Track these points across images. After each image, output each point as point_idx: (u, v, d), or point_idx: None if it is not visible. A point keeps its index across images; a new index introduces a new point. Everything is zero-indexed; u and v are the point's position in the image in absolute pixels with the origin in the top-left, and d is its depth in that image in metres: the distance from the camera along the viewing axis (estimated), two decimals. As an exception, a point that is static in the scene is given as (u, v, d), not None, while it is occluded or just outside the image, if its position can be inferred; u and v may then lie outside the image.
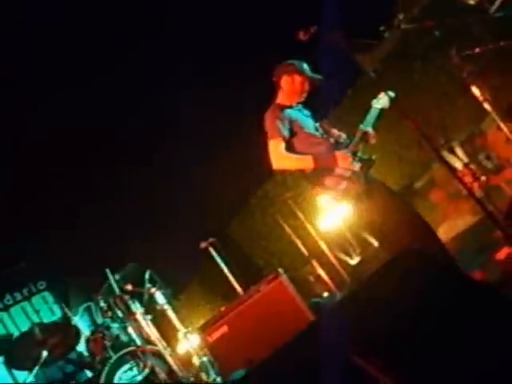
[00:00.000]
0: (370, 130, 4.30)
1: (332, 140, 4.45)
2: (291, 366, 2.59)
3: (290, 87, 4.46)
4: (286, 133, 4.28)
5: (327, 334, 2.49)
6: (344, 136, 4.53)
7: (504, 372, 2.11)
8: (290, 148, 4.29)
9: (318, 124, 4.56)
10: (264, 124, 4.38)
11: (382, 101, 4.26)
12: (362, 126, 4.29)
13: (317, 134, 4.44)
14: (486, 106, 5.07)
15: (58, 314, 8.36)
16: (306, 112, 4.56)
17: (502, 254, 4.14)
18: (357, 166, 4.14)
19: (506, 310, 2.20)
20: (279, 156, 4.19)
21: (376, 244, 6.83)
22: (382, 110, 4.29)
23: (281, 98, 4.52)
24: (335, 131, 4.61)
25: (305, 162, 4.22)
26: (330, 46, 4.28)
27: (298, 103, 4.53)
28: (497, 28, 6.14)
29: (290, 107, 4.45)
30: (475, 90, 4.96)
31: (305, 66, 4.51)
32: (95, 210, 8.59)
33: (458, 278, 2.42)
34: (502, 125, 5.42)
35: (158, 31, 7.77)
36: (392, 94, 4.18)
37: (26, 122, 7.67)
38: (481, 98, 4.92)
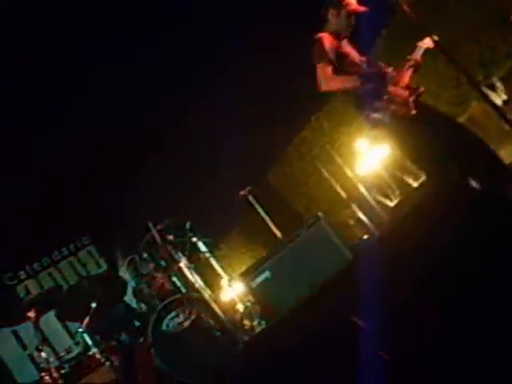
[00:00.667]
0: (418, 58, 4.32)
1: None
2: (331, 304, 2.64)
3: (336, 19, 4.53)
4: (332, 57, 4.36)
5: (365, 271, 2.52)
6: (391, 69, 4.50)
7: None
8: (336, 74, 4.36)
9: (363, 57, 4.57)
10: (312, 54, 4.43)
11: (426, 41, 4.28)
12: (409, 57, 4.34)
13: (362, 65, 4.46)
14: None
15: (104, 267, 8.63)
16: (351, 46, 4.57)
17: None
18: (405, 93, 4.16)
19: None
20: (327, 77, 4.28)
21: (415, 184, 6.79)
22: (426, 50, 4.33)
23: (327, 29, 4.56)
24: (382, 65, 4.59)
25: (352, 81, 4.29)
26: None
27: (344, 37, 4.54)
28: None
29: (337, 38, 4.47)
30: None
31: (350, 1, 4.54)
32: (136, 166, 8.73)
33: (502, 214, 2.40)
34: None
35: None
36: (435, 38, 4.15)
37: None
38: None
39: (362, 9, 4.50)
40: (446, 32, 7.36)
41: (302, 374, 2.88)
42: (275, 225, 7.24)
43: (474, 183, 3.85)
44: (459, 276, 2.46)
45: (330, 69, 4.29)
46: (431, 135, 4.17)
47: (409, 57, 4.39)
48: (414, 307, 2.49)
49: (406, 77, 4.30)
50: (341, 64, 4.37)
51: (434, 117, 4.37)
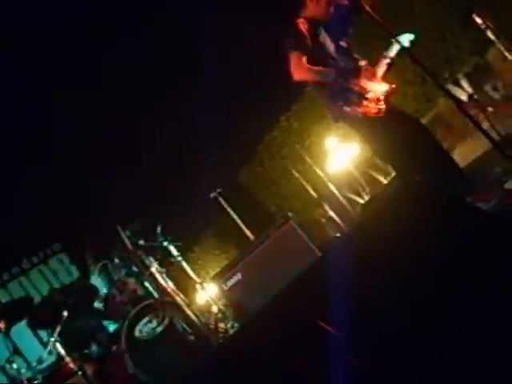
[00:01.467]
0: (392, 56, 4.24)
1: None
2: (301, 304, 2.64)
3: (315, 6, 4.35)
4: (308, 46, 4.20)
5: (335, 270, 2.52)
6: (365, 62, 4.43)
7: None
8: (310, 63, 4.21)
9: (339, 46, 4.47)
10: (286, 40, 4.29)
11: (403, 38, 4.20)
12: (383, 53, 4.26)
13: (337, 56, 4.37)
14: (490, 34, 4.95)
15: (75, 274, 8.51)
16: (328, 33, 4.46)
17: (509, 183, 4.11)
18: (380, 87, 4.11)
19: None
20: (300, 66, 4.13)
21: (385, 181, 6.84)
22: (403, 48, 4.22)
23: (305, 13, 4.43)
24: (357, 56, 4.51)
25: (327, 73, 4.16)
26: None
27: (322, 22, 4.43)
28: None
29: (313, 26, 4.37)
30: (477, 19, 4.83)
31: None
32: (105, 169, 8.66)
33: (464, 210, 2.42)
34: (506, 53, 5.31)
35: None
36: (412, 37, 4.14)
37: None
38: (483, 26, 4.80)
39: (345, 3, 4.32)
40: (411, 30, 7.48)
41: (273, 377, 2.88)
42: (247, 225, 7.25)
43: (436, 183, 3.90)
44: (430, 275, 2.47)
45: (305, 58, 4.13)
46: (399, 134, 4.15)
47: (384, 53, 4.27)
48: (383, 308, 2.50)
49: (380, 72, 4.23)
50: (315, 54, 4.20)
51: (402, 116, 4.35)
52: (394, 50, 4.25)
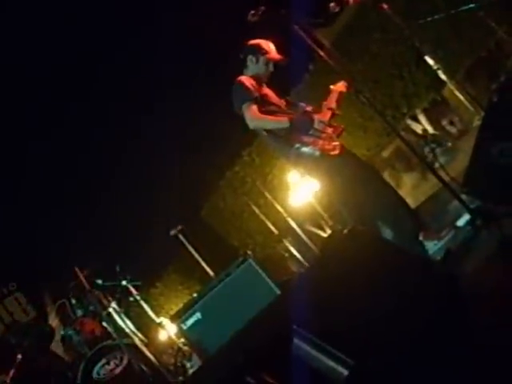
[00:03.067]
0: (333, 105, 4.37)
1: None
2: (260, 341, 2.64)
3: (255, 65, 4.57)
4: (256, 96, 4.34)
5: (294, 306, 2.54)
6: (310, 107, 4.55)
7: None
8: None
9: (283, 100, 4.61)
10: (233, 97, 4.43)
11: (340, 86, 4.38)
12: (325, 103, 4.39)
13: (283, 107, 4.49)
14: (441, 73, 5.09)
15: (32, 313, 8.29)
16: (270, 90, 4.60)
17: (462, 220, 4.19)
18: (329, 130, 4.20)
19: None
20: (254, 116, 4.26)
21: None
22: (341, 93, 4.40)
23: (246, 73, 4.59)
24: (302, 104, 4.64)
25: (281, 120, 4.26)
26: (278, 24, 4.30)
27: (263, 81, 4.57)
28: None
29: (256, 80, 4.49)
30: (429, 60, 4.97)
31: (271, 45, 4.62)
32: (65, 208, 8.57)
33: (409, 258, 2.47)
34: (457, 92, 5.47)
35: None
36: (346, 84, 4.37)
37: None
38: (435, 67, 4.94)
39: (280, 58, 4.54)
40: (371, 68, 7.67)
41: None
42: (209, 262, 7.21)
43: (386, 231, 3.97)
44: (386, 313, 2.50)
45: (255, 107, 4.27)
46: (349, 175, 4.23)
47: (324, 103, 4.40)
48: (343, 344, 2.51)
49: (327, 116, 4.34)
50: (263, 106, 4.35)
51: (351, 157, 4.43)
52: (333, 98, 4.40)
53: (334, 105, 4.39)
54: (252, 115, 4.26)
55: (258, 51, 4.56)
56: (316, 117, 4.23)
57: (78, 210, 8.65)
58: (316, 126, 4.19)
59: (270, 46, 4.61)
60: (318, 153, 4.16)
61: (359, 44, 7.61)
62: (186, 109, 8.41)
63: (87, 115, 8.64)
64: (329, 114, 4.38)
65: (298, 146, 4.20)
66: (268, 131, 4.43)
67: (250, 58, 4.56)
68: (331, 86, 4.50)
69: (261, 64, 4.54)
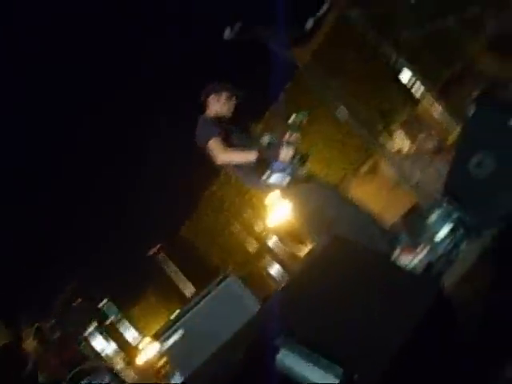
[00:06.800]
0: (297, 135, 4.41)
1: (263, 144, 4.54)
2: (242, 357, 2.62)
3: (218, 103, 4.65)
4: (221, 131, 4.37)
5: (274, 323, 2.52)
6: (275, 138, 4.59)
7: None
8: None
9: (246, 134, 4.67)
10: (198, 135, 4.48)
11: (299, 116, 4.42)
12: (289, 132, 4.42)
13: (247, 142, 4.54)
14: (417, 89, 5.16)
15: (8, 337, 8.11)
16: (234, 126, 4.65)
17: (441, 233, 4.20)
18: (296, 159, 4.23)
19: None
20: (221, 151, 4.28)
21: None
22: (301, 122, 4.43)
23: (209, 112, 4.66)
24: (265, 137, 4.69)
25: (248, 155, 4.30)
26: (255, 41, 4.35)
27: (226, 118, 4.63)
28: (423, 11, 6.27)
29: (219, 120, 4.55)
30: (405, 75, 5.03)
31: (229, 85, 4.71)
32: (45, 229, 8.49)
33: (385, 269, 2.48)
34: (433, 107, 5.54)
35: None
36: (305, 114, 4.37)
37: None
38: (409, 84, 5.00)
39: (238, 94, 4.64)
40: (348, 84, 7.75)
41: None
42: (190, 280, 7.17)
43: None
44: (367, 325, 2.49)
45: (221, 142, 4.30)
46: (320, 199, 4.27)
47: (285, 138, 4.35)
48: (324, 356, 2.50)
49: (292, 143, 4.35)
50: (228, 142, 4.38)
51: (320, 185, 4.48)
52: (295, 119, 4.43)
53: (297, 135, 4.40)
54: (219, 150, 4.28)
55: (220, 89, 4.65)
56: (282, 149, 4.25)
57: (56, 231, 8.57)
58: (282, 157, 4.23)
59: (229, 85, 4.71)
60: (285, 183, 4.19)
61: (336, 61, 7.68)
62: (165, 131, 8.44)
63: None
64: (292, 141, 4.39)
65: (264, 177, 4.23)
66: (235, 165, 4.45)
67: (213, 97, 4.63)
68: (288, 121, 4.51)
69: (223, 100, 4.62)
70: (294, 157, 4.25)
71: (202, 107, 4.72)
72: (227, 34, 4.24)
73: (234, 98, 4.66)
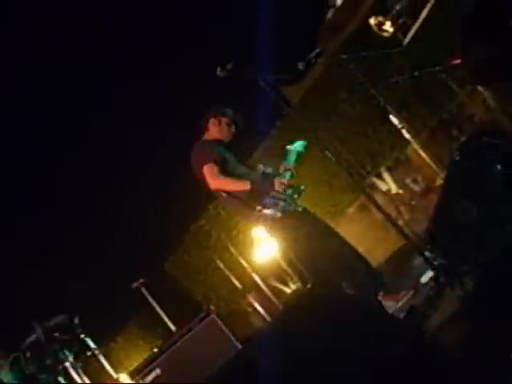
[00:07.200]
0: (291, 166, 4.41)
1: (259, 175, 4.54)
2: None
3: (217, 128, 4.68)
4: (217, 157, 4.40)
5: (256, 362, 2.50)
6: (270, 169, 4.60)
7: None
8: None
9: (243, 163, 4.68)
10: (193, 158, 4.47)
11: (297, 145, 4.45)
12: (284, 163, 4.43)
13: (243, 170, 4.54)
14: (405, 133, 5.20)
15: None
16: (231, 153, 4.66)
17: (425, 277, 4.22)
18: (289, 192, 4.24)
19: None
20: (216, 177, 4.31)
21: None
22: (299, 153, 4.45)
23: (208, 137, 4.66)
24: (260, 166, 4.70)
25: (242, 184, 4.33)
26: (247, 80, 4.39)
27: (224, 143, 4.64)
28: (412, 58, 6.39)
29: (217, 143, 4.56)
30: (393, 119, 5.08)
31: (229, 110, 4.74)
32: (26, 257, 8.40)
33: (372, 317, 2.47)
34: (420, 151, 5.59)
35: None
36: (304, 143, 4.43)
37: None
38: (399, 127, 5.05)
39: (239, 119, 4.69)
40: (337, 125, 7.82)
41: None
42: (171, 316, 7.09)
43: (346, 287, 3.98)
44: (349, 368, 2.48)
45: (217, 169, 4.33)
46: (309, 235, 4.27)
47: (283, 162, 4.42)
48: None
49: (287, 177, 4.37)
50: (224, 169, 4.41)
51: (311, 219, 4.48)
52: (291, 159, 4.46)
53: (292, 165, 4.43)
54: (213, 176, 4.31)
55: (220, 114, 4.69)
56: (276, 180, 4.28)
57: (37, 261, 8.48)
58: (276, 188, 4.24)
59: (229, 110, 4.75)
60: (279, 214, 4.19)
61: (326, 102, 7.78)
62: (154, 161, 8.45)
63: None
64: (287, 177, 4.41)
65: (259, 208, 4.22)
66: (228, 193, 4.46)
67: (213, 121, 4.67)
68: (288, 147, 4.56)
69: (223, 125, 4.66)
70: (288, 188, 4.26)
71: (201, 131, 4.74)
72: (219, 71, 4.29)
73: (233, 125, 4.70)
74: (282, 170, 4.40)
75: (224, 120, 4.66)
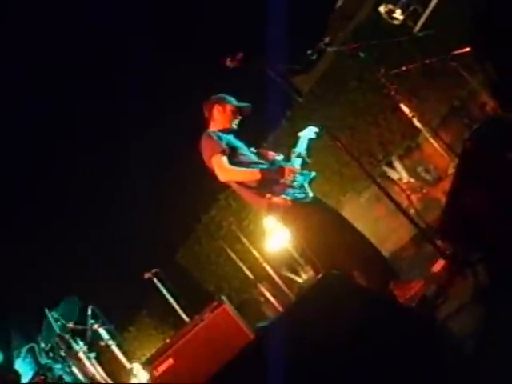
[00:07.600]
0: (302, 153, 4.40)
1: (269, 162, 4.54)
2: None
3: (222, 115, 4.66)
4: (225, 147, 4.38)
5: (269, 352, 2.51)
6: (281, 157, 4.60)
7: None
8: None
9: (253, 149, 4.65)
10: (201, 149, 4.46)
11: (308, 132, 4.44)
12: (295, 150, 4.42)
13: (252, 157, 4.52)
14: (416, 122, 5.18)
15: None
16: (239, 140, 4.64)
17: (437, 266, 4.20)
18: (299, 179, 4.23)
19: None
20: (224, 168, 4.31)
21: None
22: (310, 140, 4.44)
23: (213, 126, 4.63)
24: (271, 153, 4.70)
25: (252, 174, 4.32)
26: (257, 70, 4.38)
27: (231, 131, 4.61)
28: (422, 46, 6.33)
29: (223, 132, 4.54)
30: (404, 108, 5.05)
31: (231, 97, 4.73)
32: (36, 244, 8.45)
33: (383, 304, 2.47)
34: (432, 140, 5.56)
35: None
36: (316, 129, 4.46)
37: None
38: (410, 115, 5.03)
39: (245, 105, 4.68)
40: (348, 115, 7.79)
41: None
42: (183, 306, 7.13)
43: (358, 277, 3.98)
44: (361, 358, 2.48)
45: (225, 159, 4.32)
46: (321, 223, 4.25)
47: (294, 149, 4.46)
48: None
49: (297, 165, 4.37)
50: (232, 157, 4.41)
51: (322, 206, 4.47)
52: (302, 146, 4.46)
53: (303, 152, 4.42)
54: (222, 168, 4.30)
55: (224, 101, 4.67)
56: (286, 167, 4.27)
57: (50, 250, 8.52)
58: (286, 175, 4.23)
59: (231, 98, 4.73)
60: (289, 202, 4.17)
61: (336, 91, 7.74)
62: (162, 151, 8.45)
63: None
64: (297, 164, 4.41)
65: (269, 196, 4.21)
66: (239, 182, 4.45)
67: (217, 108, 4.65)
68: (299, 133, 4.56)
69: (228, 112, 4.64)
70: (298, 175, 4.26)
71: (207, 120, 4.71)
72: (229, 62, 4.28)
73: (238, 112, 4.67)
74: (292, 156, 4.41)
75: (228, 107, 4.63)
